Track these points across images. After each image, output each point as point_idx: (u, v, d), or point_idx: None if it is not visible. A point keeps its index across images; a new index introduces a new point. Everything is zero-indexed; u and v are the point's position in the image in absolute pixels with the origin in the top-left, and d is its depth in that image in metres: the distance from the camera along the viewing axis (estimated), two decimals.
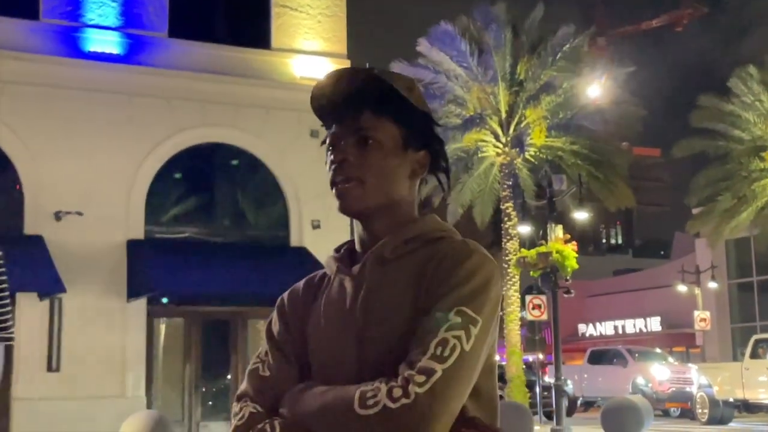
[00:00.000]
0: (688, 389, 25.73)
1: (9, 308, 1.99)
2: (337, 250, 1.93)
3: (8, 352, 1.97)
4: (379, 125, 1.78)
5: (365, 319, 1.74)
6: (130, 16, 18.37)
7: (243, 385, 1.86)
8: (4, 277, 2.01)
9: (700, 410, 22.96)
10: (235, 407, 1.84)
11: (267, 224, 19.46)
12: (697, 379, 23.65)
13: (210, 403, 18.71)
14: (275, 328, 1.90)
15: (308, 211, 19.00)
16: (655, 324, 45.30)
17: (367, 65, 1.83)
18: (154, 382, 17.91)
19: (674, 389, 26.39)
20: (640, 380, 26.98)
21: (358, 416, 1.59)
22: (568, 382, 27.40)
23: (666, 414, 27.00)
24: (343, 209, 1.81)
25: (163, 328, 18.47)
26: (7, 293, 2.01)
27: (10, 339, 1.97)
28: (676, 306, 42.08)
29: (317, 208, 19.01)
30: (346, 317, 1.77)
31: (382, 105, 1.78)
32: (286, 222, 19.16)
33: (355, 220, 1.85)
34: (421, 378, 1.57)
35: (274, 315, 1.93)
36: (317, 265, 20.06)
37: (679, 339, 43.75)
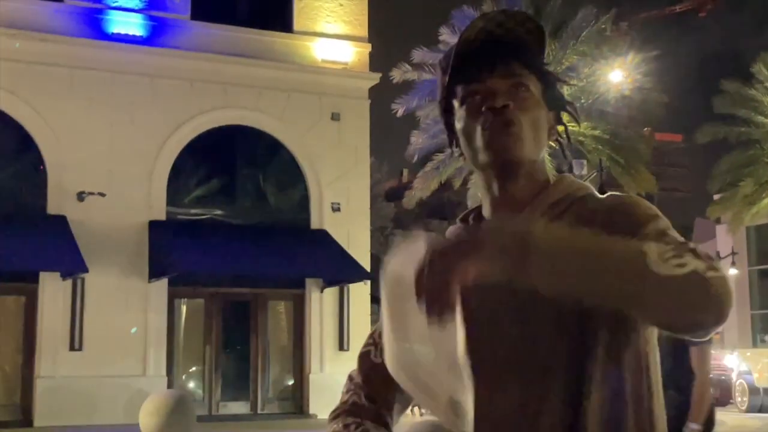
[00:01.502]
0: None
1: None
2: (463, 219, 1.74)
3: None
4: (529, 75, 1.63)
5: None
6: None
7: (355, 367, 1.78)
8: None
9: (739, 398, 21.88)
10: (344, 386, 1.77)
11: (288, 206, 19.49)
12: (737, 366, 22.46)
13: (230, 383, 18.82)
14: None
15: (328, 193, 19.03)
16: None
17: (516, 9, 1.69)
18: (175, 361, 18.03)
19: None
20: None
21: (655, 274, 1.37)
22: None
23: None
24: (501, 152, 1.60)
25: (184, 308, 18.59)
26: None
27: None
28: None
29: (337, 191, 19.06)
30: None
31: (529, 56, 1.64)
32: (307, 204, 19.19)
33: (486, 177, 1.67)
34: (713, 262, 1.44)
35: None
36: (337, 247, 19.96)
37: None
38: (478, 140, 1.61)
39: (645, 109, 26.22)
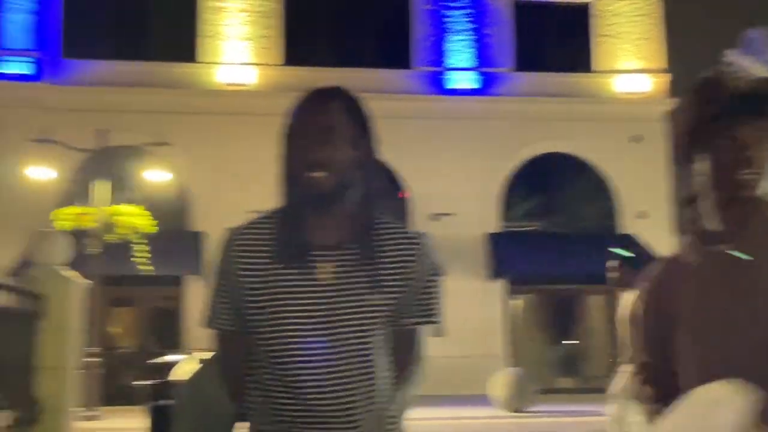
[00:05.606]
0: None
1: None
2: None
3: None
4: None
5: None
6: (483, 57, 18.75)
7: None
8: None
9: None
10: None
11: (596, 216, 18.92)
12: None
13: (557, 363, 18.55)
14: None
15: (632, 203, 18.25)
16: None
17: None
18: (511, 345, 18.10)
19: None
20: None
21: None
22: None
23: None
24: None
25: (515, 303, 18.62)
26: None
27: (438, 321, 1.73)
28: None
29: (641, 200, 18.17)
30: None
31: None
32: (611, 213, 18.55)
33: None
34: None
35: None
36: (644, 249, 18.90)
37: None
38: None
39: None
